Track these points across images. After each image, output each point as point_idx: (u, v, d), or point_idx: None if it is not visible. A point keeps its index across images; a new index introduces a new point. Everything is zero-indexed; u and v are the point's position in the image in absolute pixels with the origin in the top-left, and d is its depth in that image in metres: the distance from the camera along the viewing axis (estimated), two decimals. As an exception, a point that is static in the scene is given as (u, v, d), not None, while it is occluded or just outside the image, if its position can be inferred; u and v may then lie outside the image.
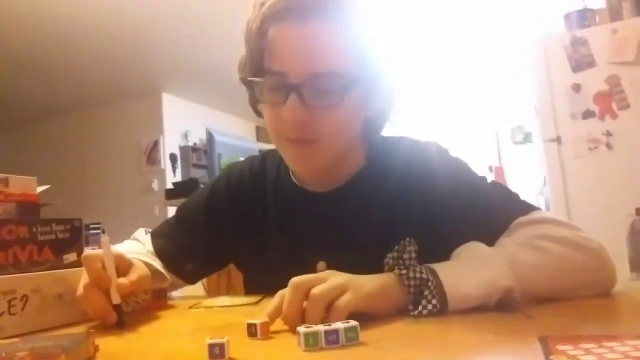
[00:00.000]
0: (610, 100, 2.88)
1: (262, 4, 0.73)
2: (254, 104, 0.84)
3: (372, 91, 0.78)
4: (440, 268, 0.63)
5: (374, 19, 0.76)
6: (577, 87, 2.96)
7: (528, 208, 0.78)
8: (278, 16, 0.71)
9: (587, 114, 2.93)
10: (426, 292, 0.60)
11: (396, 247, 0.65)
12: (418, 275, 0.61)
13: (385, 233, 0.77)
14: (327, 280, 0.59)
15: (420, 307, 0.60)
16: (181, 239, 0.96)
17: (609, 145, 2.87)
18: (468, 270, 0.63)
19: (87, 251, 0.72)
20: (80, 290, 0.70)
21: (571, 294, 0.66)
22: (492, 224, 0.75)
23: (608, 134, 2.87)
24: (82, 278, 0.71)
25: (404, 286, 0.61)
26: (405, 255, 0.64)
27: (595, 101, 2.92)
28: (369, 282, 0.62)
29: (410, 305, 0.61)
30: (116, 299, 0.68)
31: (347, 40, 0.72)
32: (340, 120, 0.75)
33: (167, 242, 0.95)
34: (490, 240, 0.70)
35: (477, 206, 0.78)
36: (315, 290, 0.56)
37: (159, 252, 0.93)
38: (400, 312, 0.62)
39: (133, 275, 0.73)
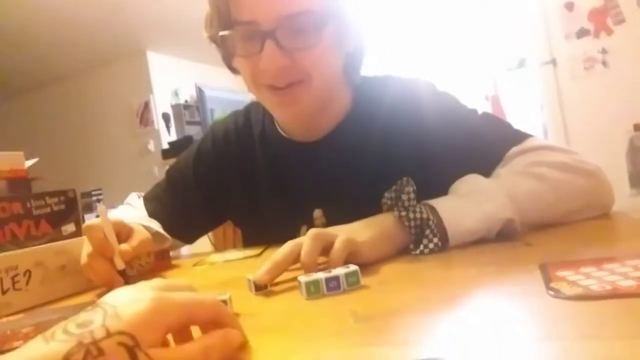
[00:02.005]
0: (605, 15, 2.81)
1: None
2: (228, 60, 0.81)
3: (346, 26, 0.75)
4: (439, 205, 0.62)
5: None
6: (570, 6, 2.87)
7: (521, 136, 0.77)
8: None
9: (582, 33, 2.85)
10: (427, 231, 0.60)
11: (393, 187, 0.64)
12: (418, 215, 0.61)
13: (379, 175, 0.77)
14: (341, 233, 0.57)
15: (421, 247, 0.60)
16: (173, 201, 0.96)
17: (605, 64, 2.81)
18: (468, 205, 0.62)
19: (88, 222, 0.72)
20: (84, 259, 0.71)
21: (571, 218, 0.66)
22: (487, 155, 0.74)
23: (604, 51, 2.81)
24: (85, 247, 0.72)
25: (405, 227, 0.61)
26: (404, 196, 0.63)
27: (590, 18, 2.84)
28: (370, 231, 0.61)
29: (411, 245, 0.61)
30: (120, 265, 0.69)
31: None
32: (321, 58, 0.73)
33: (160, 205, 0.96)
34: (486, 172, 0.70)
35: (470, 139, 0.77)
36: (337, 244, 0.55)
37: (153, 216, 0.93)
38: (401, 252, 0.62)
39: (134, 241, 0.73)
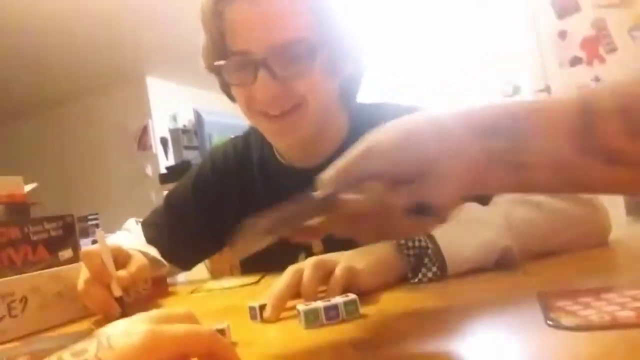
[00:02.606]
0: (597, 44, 2.86)
1: None
2: (226, 88, 0.82)
3: (340, 53, 0.76)
4: (438, 233, 0.62)
5: None
6: (563, 34, 2.92)
7: None
8: None
9: (575, 61, 2.90)
10: (426, 260, 0.60)
11: None
12: (417, 243, 0.61)
13: None
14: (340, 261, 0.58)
15: (420, 275, 0.60)
16: (171, 226, 0.96)
17: (598, 91, 2.85)
18: (466, 233, 0.62)
19: (85, 248, 0.72)
20: (81, 285, 0.70)
21: (568, 247, 0.66)
22: None
23: (596, 79, 2.85)
24: (82, 274, 0.72)
25: (404, 255, 0.61)
26: None
27: (582, 47, 2.89)
28: (369, 259, 0.60)
29: (409, 274, 0.61)
30: (117, 292, 0.69)
31: (304, 5, 0.71)
32: (315, 85, 0.74)
33: (157, 231, 0.95)
34: (481, 200, 0.70)
35: None
36: (337, 272, 0.55)
37: (151, 242, 0.92)
38: (400, 281, 0.62)
39: (132, 267, 0.73)
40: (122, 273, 0.70)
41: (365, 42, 0.84)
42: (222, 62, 0.74)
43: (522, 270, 0.58)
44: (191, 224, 0.95)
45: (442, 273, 0.59)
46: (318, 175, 0.81)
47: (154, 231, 0.95)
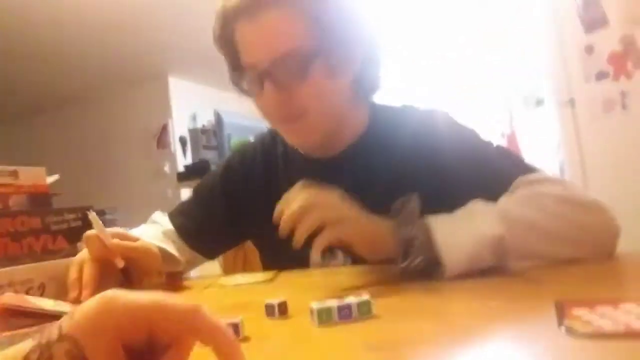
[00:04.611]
0: (625, 59, 2.81)
1: (220, 10, 0.81)
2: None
3: (341, 56, 0.79)
4: (433, 220, 0.65)
5: None
6: (589, 49, 2.88)
7: (529, 169, 0.78)
8: (234, 17, 0.79)
9: (601, 75, 2.86)
10: (415, 251, 0.63)
11: (401, 200, 0.68)
12: (411, 231, 0.64)
13: (393, 196, 0.78)
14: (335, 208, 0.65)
15: (408, 261, 0.62)
16: (200, 215, 1.00)
17: (624, 106, 2.80)
18: (459, 222, 0.65)
19: (87, 232, 0.74)
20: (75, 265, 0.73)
21: (572, 254, 0.65)
22: (495, 185, 0.75)
23: (623, 94, 2.80)
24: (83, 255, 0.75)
25: (397, 238, 0.65)
26: (405, 211, 0.67)
27: (610, 62, 2.85)
28: (366, 224, 0.66)
29: (400, 259, 0.63)
30: (120, 264, 0.72)
31: (298, 18, 0.76)
32: (316, 90, 0.79)
33: (186, 219, 1.00)
34: (494, 199, 0.70)
35: (480, 170, 0.78)
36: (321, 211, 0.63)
37: (179, 229, 0.97)
38: (408, 279, 0.63)
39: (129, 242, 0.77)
40: (115, 241, 0.73)
41: (379, 39, 0.87)
42: (236, 75, 0.83)
43: (536, 279, 0.57)
44: (218, 213, 0.99)
45: (434, 257, 0.62)
46: (334, 166, 0.86)
47: (182, 219, 1.00)
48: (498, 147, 0.85)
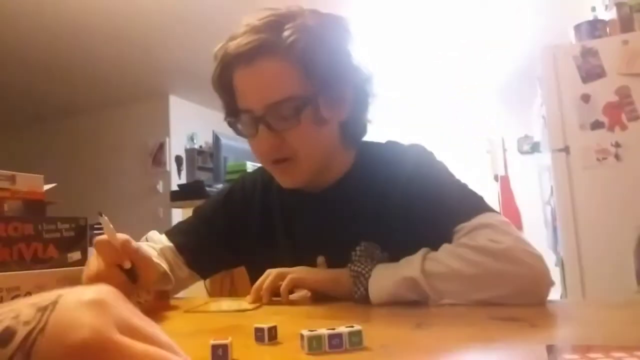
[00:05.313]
0: (619, 111, 2.86)
1: (219, 55, 0.86)
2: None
3: (328, 103, 0.85)
4: (379, 265, 0.80)
5: (324, 41, 0.84)
6: (586, 98, 2.94)
7: (482, 210, 0.81)
8: (232, 64, 0.84)
9: (596, 125, 2.91)
10: (358, 282, 0.78)
11: (358, 247, 0.83)
12: (360, 269, 0.79)
13: (374, 229, 0.88)
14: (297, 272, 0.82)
15: (355, 289, 0.78)
16: (201, 233, 1.02)
17: (617, 157, 2.84)
18: (392, 267, 0.78)
19: (98, 237, 0.75)
20: (92, 271, 0.74)
21: (491, 298, 0.71)
22: (440, 226, 0.81)
23: (617, 145, 2.85)
24: (95, 260, 0.76)
25: (350, 276, 0.79)
26: (357, 255, 0.82)
27: (605, 112, 2.90)
28: (324, 273, 0.85)
29: (354, 289, 0.78)
30: (127, 264, 0.74)
31: (293, 67, 0.81)
32: (305, 135, 0.84)
33: (186, 237, 1.02)
34: (438, 239, 0.79)
35: (434, 206, 0.84)
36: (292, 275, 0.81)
37: (179, 246, 0.99)
38: (402, 318, 0.62)
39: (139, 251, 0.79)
40: (122, 236, 0.75)
41: (369, 83, 0.92)
42: (232, 119, 0.89)
43: (530, 322, 0.57)
44: (219, 232, 1.02)
45: (367, 294, 0.77)
46: (321, 201, 0.89)
47: (181, 237, 1.02)
48: (461, 185, 0.88)
